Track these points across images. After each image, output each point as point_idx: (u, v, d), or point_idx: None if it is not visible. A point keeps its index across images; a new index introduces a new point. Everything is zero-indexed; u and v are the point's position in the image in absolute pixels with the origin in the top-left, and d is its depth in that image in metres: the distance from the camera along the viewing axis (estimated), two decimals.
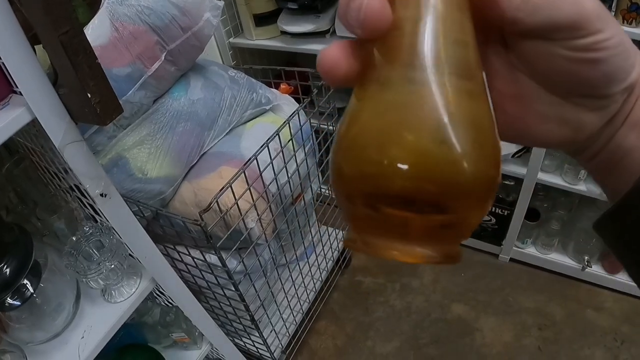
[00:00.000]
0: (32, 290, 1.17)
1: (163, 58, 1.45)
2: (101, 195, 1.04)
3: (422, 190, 0.30)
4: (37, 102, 0.85)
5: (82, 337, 1.25)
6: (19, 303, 1.15)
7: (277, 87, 2.01)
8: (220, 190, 1.33)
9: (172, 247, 1.56)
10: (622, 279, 2.35)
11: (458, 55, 0.32)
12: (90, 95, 0.80)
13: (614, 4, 1.63)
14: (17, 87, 0.82)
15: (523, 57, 0.38)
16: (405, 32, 0.31)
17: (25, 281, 1.16)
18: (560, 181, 2.17)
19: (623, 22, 1.62)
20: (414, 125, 0.30)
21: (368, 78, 0.33)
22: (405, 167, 0.29)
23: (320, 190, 2.17)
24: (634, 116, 0.38)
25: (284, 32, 2.41)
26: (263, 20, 2.44)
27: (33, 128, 0.97)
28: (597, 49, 0.34)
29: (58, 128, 0.89)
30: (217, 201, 1.31)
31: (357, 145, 0.32)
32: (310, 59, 2.47)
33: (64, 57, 0.78)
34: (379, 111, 0.32)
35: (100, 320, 1.28)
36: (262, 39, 2.49)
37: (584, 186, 2.12)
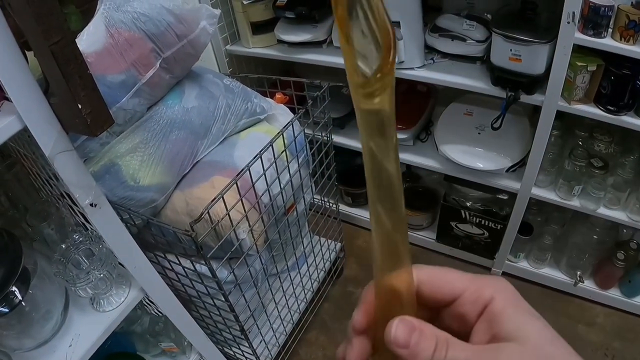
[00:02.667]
0: (20, 297, 1.16)
1: (158, 65, 1.45)
2: (91, 205, 1.03)
3: None
4: (28, 111, 0.84)
5: (70, 345, 1.24)
6: (7, 310, 1.14)
7: (272, 96, 2.00)
8: (212, 201, 1.32)
9: (163, 255, 1.55)
10: (614, 294, 2.35)
11: None
12: (80, 105, 0.80)
13: (611, 21, 1.63)
14: (7, 94, 0.82)
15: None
16: None
17: (14, 288, 1.15)
18: (554, 196, 2.17)
19: (621, 40, 1.61)
20: None
21: None
22: None
23: (313, 200, 2.16)
24: None
25: (280, 41, 2.40)
26: (260, 28, 2.44)
27: (25, 134, 0.97)
28: None
29: (48, 137, 0.89)
30: (208, 212, 1.30)
31: None
32: (306, 68, 2.47)
33: (55, 67, 0.78)
34: None
35: (89, 329, 1.27)
36: (258, 47, 2.49)
37: (578, 202, 2.12)
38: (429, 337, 0.39)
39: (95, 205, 1.04)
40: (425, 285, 0.44)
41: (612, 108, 1.80)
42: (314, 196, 2.15)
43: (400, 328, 0.39)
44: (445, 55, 2.16)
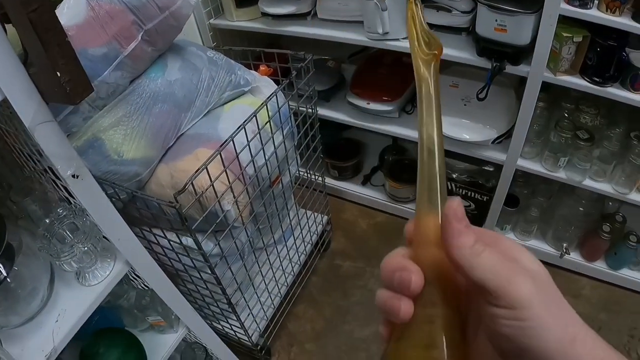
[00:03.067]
0: (5, 274, 1.15)
1: (140, 38, 1.43)
2: (73, 176, 1.02)
3: None
4: (7, 82, 0.83)
5: (57, 321, 1.24)
6: None
7: (256, 68, 1.99)
8: (196, 172, 1.31)
9: (149, 229, 1.54)
10: (600, 266, 2.37)
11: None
12: (59, 74, 0.78)
13: None
14: None
15: (481, 323, 0.47)
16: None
17: None
18: (540, 168, 2.17)
19: (607, 11, 1.61)
20: None
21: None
22: None
23: (299, 173, 2.16)
24: None
25: (265, 14, 2.39)
26: (244, 1, 2.43)
27: (7, 110, 0.95)
28: (507, 325, 0.42)
29: (28, 108, 0.87)
30: (192, 183, 1.30)
31: None
32: (292, 41, 2.46)
33: (33, 35, 0.76)
34: None
35: (75, 304, 1.27)
36: (242, 20, 2.47)
37: (564, 174, 2.12)
38: (471, 233, 0.45)
39: (77, 177, 1.03)
40: None
41: (597, 79, 1.80)
42: (300, 169, 2.14)
43: (454, 212, 0.46)
44: (430, 26, 2.12)
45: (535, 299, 0.41)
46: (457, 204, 0.46)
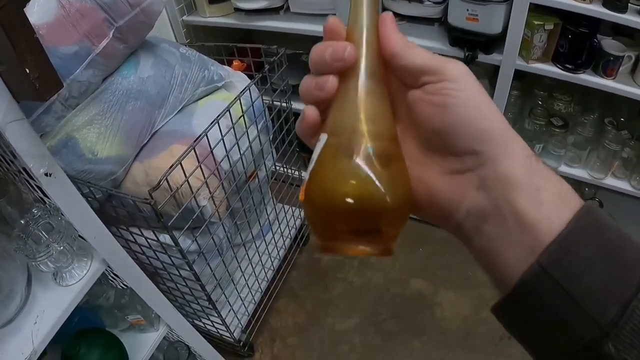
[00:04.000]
0: None
1: (111, 35, 1.42)
2: (46, 174, 1.01)
3: (358, 211, 0.43)
4: None
5: (35, 323, 1.23)
6: None
7: (230, 64, 1.99)
8: (170, 168, 1.31)
9: (125, 228, 1.54)
10: None
11: (376, 120, 0.46)
12: (28, 70, 0.78)
13: None
14: None
15: (411, 110, 0.48)
16: (336, 106, 0.47)
17: None
18: None
19: None
20: (351, 175, 0.44)
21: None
22: (348, 199, 0.43)
23: (276, 168, 2.16)
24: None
25: (237, 9, 2.38)
26: None
27: None
28: (443, 94, 0.44)
29: None
30: (167, 179, 1.30)
31: (323, 186, 0.45)
32: (265, 36, 2.45)
33: (1, 33, 0.76)
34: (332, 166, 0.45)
35: (53, 305, 1.26)
36: (215, 17, 2.46)
37: None
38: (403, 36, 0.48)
39: (50, 175, 1.02)
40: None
41: (570, 66, 1.83)
42: (276, 164, 2.14)
43: (388, 18, 0.48)
44: (402, 17, 2.16)
45: (469, 78, 0.45)
46: (391, 15, 0.49)
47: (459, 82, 0.44)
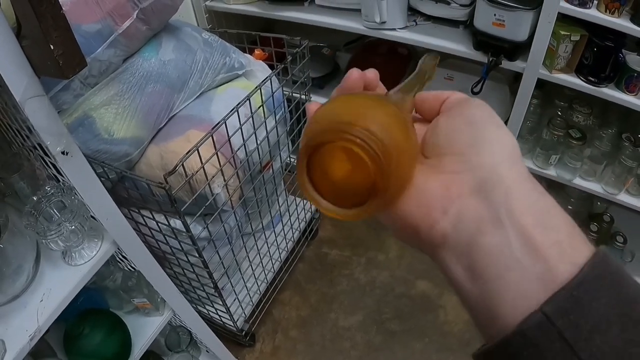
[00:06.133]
0: None
1: (135, 16, 1.41)
2: (62, 153, 1.00)
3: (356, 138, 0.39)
4: None
5: (41, 300, 1.22)
6: None
7: (251, 52, 1.97)
8: (187, 153, 1.30)
9: (137, 211, 1.53)
10: None
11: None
12: (53, 47, 0.77)
13: None
14: None
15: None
16: None
17: None
18: (531, 165, 2.18)
19: (606, 11, 1.61)
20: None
21: None
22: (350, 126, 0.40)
23: (290, 160, 2.15)
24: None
25: None
26: None
27: None
28: (461, 101, 0.48)
29: (19, 81, 0.86)
30: (183, 164, 1.29)
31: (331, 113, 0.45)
32: (288, 27, 2.44)
33: (28, 7, 0.75)
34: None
35: (60, 283, 1.25)
36: (239, 4, 2.45)
37: (554, 171, 2.13)
38: None
39: (67, 154, 1.01)
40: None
41: (592, 79, 1.81)
42: (291, 156, 2.13)
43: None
44: (428, 17, 2.14)
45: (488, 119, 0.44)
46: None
47: (473, 99, 0.46)
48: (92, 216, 1.23)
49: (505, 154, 0.41)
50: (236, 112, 1.42)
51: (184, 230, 1.45)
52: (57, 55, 0.77)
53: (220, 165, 1.46)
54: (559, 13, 1.68)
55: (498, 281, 0.37)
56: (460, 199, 0.40)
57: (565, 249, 0.35)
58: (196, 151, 1.32)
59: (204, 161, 1.36)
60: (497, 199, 0.38)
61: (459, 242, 0.40)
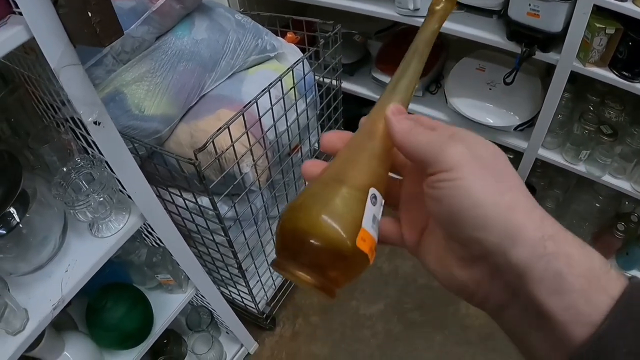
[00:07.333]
0: (18, 220, 1.15)
1: None
2: (95, 123, 1.01)
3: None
4: (36, 21, 0.82)
5: (66, 271, 1.24)
6: (4, 232, 1.13)
7: (283, 35, 1.97)
8: (218, 130, 1.30)
9: (165, 188, 1.54)
10: (613, 262, 2.34)
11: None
12: (91, 14, 0.77)
13: None
14: (17, 7, 0.79)
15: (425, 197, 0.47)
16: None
17: (12, 210, 1.14)
18: (561, 159, 2.15)
19: None
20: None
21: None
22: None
23: (318, 145, 2.14)
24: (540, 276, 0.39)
25: None
26: None
27: (32, 53, 0.94)
28: (438, 187, 0.43)
29: (55, 49, 0.86)
30: (212, 141, 1.29)
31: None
32: (319, 10, 2.43)
33: None
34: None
35: (86, 255, 1.27)
36: None
37: (584, 167, 2.10)
38: (412, 118, 0.49)
39: (99, 124, 1.02)
40: None
41: (627, 74, 1.79)
42: (318, 142, 2.13)
43: (396, 106, 0.50)
44: (462, 6, 2.12)
45: (467, 162, 0.42)
46: (394, 106, 0.51)
47: (455, 171, 0.42)
48: (120, 190, 1.24)
49: (505, 230, 0.40)
50: (267, 93, 1.42)
51: (211, 208, 1.45)
52: (94, 23, 0.78)
53: (249, 145, 1.46)
54: (594, 5, 1.65)
55: (528, 343, 0.42)
56: (482, 285, 0.44)
57: (581, 302, 0.37)
58: (227, 129, 1.32)
59: (234, 139, 1.36)
60: (512, 283, 0.41)
61: (491, 312, 0.46)
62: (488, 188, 0.41)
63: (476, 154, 0.43)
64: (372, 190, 0.47)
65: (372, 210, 0.47)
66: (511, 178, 0.43)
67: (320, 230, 0.45)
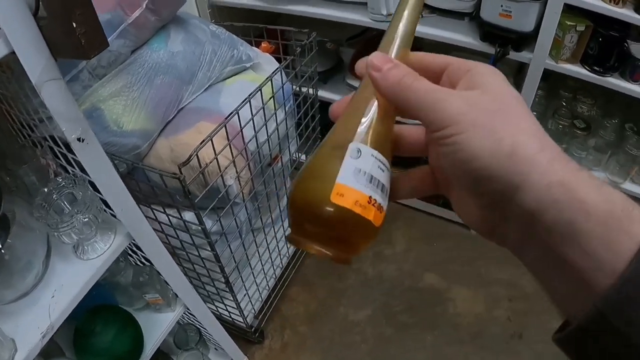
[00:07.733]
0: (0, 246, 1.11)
1: (144, 6, 1.39)
2: (78, 139, 0.98)
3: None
4: (16, 33, 0.78)
5: (53, 296, 1.20)
6: None
7: (257, 45, 1.96)
8: (201, 143, 1.28)
9: (147, 204, 1.51)
10: None
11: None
12: (75, 24, 0.74)
13: None
14: None
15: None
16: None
17: None
18: None
19: (610, 2, 1.64)
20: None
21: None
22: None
23: (297, 156, 2.13)
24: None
25: None
26: None
27: (8, 71, 0.91)
28: (436, 144, 0.43)
29: (37, 63, 0.83)
30: (197, 154, 1.27)
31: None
32: (292, 20, 2.41)
33: None
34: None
35: (72, 278, 1.23)
36: None
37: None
38: (400, 67, 0.45)
39: (83, 140, 0.99)
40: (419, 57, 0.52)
41: (598, 69, 1.85)
42: (297, 152, 2.12)
43: (377, 56, 0.47)
44: (433, 10, 2.13)
45: (464, 117, 0.40)
46: (375, 56, 0.47)
47: (452, 127, 0.40)
48: (104, 209, 1.21)
49: (510, 177, 0.39)
50: (248, 103, 1.41)
51: (196, 223, 1.43)
52: (79, 34, 0.75)
53: (232, 157, 1.44)
54: (564, 4, 1.70)
55: (549, 284, 0.42)
56: (499, 227, 0.44)
57: (600, 245, 0.35)
58: (210, 141, 1.30)
59: (217, 152, 1.34)
60: (524, 227, 0.40)
61: (513, 250, 0.45)
62: (486, 140, 0.39)
63: (476, 102, 0.41)
64: (353, 145, 0.46)
65: (354, 164, 0.45)
66: (515, 119, 0.40)
67: (300, 195, 0.46)
